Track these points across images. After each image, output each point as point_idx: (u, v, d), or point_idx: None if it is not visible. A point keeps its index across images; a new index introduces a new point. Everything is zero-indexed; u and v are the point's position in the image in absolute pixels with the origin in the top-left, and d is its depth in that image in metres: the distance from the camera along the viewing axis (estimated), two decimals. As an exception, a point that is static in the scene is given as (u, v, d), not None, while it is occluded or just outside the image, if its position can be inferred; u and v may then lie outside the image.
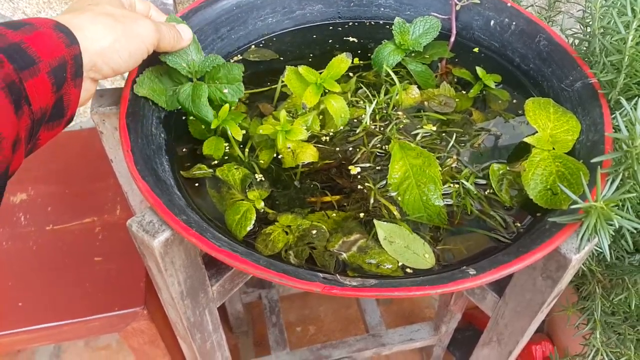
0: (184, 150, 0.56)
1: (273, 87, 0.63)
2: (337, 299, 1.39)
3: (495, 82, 0.62)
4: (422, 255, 0.46)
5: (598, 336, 0.60)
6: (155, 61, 0.55)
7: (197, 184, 0.52)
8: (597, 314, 0.58)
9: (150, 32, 0.49)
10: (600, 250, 0.44)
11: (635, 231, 0.51)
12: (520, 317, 0.52)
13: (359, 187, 0.52)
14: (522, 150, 0.54)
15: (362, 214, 0.50)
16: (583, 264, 0.57)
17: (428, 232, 0.48)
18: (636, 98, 0.47)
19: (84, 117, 1.12)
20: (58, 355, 1.26)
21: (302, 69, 0.55)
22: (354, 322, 1.36)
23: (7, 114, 0.37)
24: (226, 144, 0.56)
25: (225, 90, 0.56)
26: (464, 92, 0.63)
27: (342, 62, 0.56)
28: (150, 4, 0.55)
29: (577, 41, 0.61)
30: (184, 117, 0.58)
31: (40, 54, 0.39)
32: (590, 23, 0.55)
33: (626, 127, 0.44)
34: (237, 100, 0.57)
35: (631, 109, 0.42)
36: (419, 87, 0.63)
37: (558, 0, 0.78)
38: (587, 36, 0.57)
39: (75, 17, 0.44)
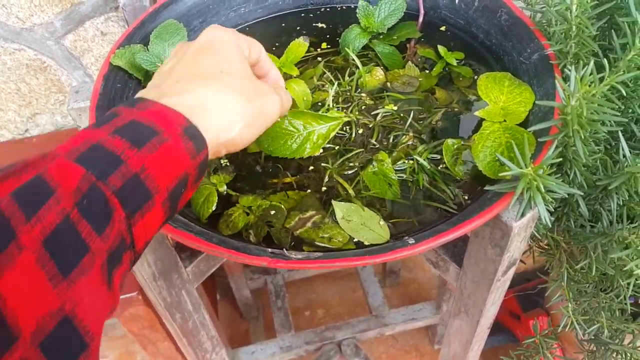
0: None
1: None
2: (342, 283, 1.42)
3: (458, 60, 0.63)
4: (377, 231, 0.48)
5: (569, 304, 0.61)
6: (138, 40, 0.58)
7: (165, 171, 0.55)
8: (564, 282, 0.58)
9: (276, 111, 0.44)
10: (551, 218, 0.45)
11: (582, 198, 0.52)
12: (479, 286, 0.53)
13: (319, 167, 0.54)
14: (481, 125, 0.55)
15: (320, 193, 0.52)
16: (548, 234, 0.58)
17: (383, 207, 0.50)
18: (585, 67, 0.48)
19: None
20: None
21: (261, 55, 0.57)
22: (360, 305, 1.38)
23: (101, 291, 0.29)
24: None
25: None
26: (428, 71, 0.64)
27: (299, 46, 0.58)
28: (272, 64, 0.49)
29: (540, 15, 0.61)
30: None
31: (160, 180, 0.33)
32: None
33: (566, 95, 0.44)
34: None
35: (564, 77, 0.43)
36: (386, 69, 0.64)
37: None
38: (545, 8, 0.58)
39: (207, 99, 0.38)
